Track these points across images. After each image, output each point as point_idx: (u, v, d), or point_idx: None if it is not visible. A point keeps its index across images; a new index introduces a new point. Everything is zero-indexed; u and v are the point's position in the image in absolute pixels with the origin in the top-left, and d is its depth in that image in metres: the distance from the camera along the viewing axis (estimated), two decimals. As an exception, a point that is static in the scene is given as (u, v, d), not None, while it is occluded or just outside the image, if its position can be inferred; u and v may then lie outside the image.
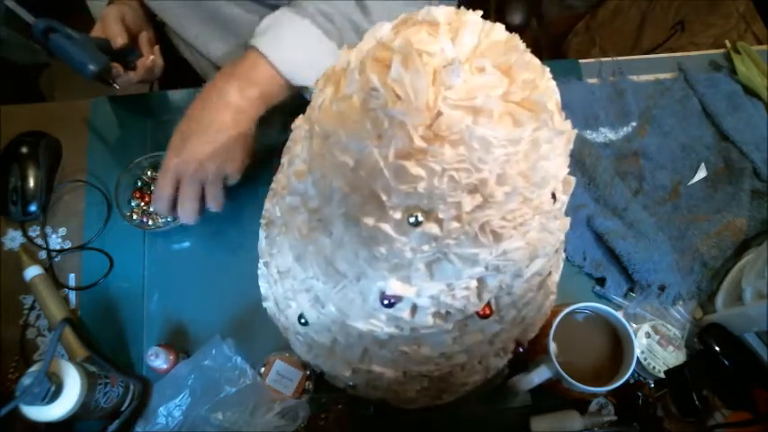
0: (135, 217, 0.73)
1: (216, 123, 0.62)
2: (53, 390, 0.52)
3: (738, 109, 0.81)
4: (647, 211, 0.75)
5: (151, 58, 0.77)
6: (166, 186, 0.63)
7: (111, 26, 0.73)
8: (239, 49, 0.74)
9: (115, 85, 0.72)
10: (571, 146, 0.37)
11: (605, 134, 0.82)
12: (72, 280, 0.72)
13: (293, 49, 0.63)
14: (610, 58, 0.87)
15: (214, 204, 0.66)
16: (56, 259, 0.73)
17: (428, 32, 0.32)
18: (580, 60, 0.87)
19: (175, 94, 0.84)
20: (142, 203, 0.74)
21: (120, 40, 0.72)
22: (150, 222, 0.73)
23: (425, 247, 0.35)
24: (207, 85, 0.64)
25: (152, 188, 0.73)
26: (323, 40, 0.64)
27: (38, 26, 0.64)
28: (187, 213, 0.65)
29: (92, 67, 0.65)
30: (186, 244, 0.74)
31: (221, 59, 0.81)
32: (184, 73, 0.93)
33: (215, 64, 0.84)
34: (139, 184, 0.75)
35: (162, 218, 0.73)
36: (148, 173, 0.76)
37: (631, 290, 0.72)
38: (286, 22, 0.64)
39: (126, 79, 0.74)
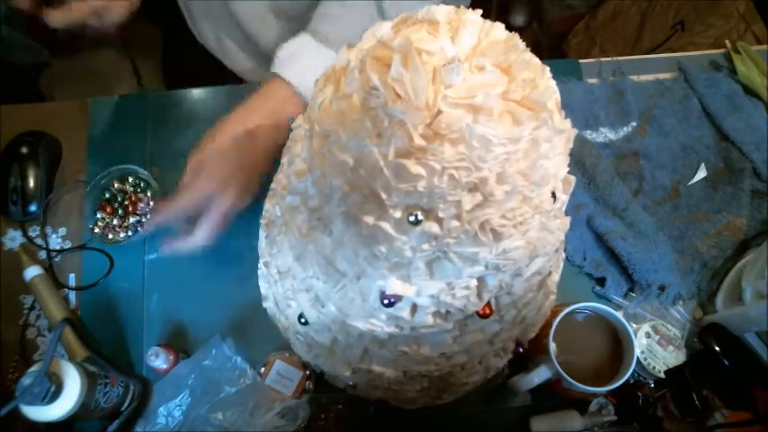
0: (97, 230, 0.72)
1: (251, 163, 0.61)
2: (53, 390, 0.52)
3: (738, 109, 0.81)
4: (647, 211, 0.75)
5: None
6: (188, 203, 0.61)
7: None
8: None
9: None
10: (571, 145, 0.37)
11: (605, 134, 0.82)
12: (72, 280, 0.72)
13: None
14: (610, 58, 0.87)
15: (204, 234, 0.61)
16: (56, 259, 0.73)
17: (428, 31, 0.32)
18: (580, 60, 0.87)
19: (176, 94, 0.83)
20: (106, 216, 0.73)
21: None
22: (110, 236, 0.72)
23: (425, 246, 0.35)
24: (237, 117, 0.62)
25: (119, 200, 0.73)
26: None
27: None
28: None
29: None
30: (186, 244, 0.74)
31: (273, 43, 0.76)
32: (200, 69, 0.92)
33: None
34: (107, 195, 0.74)
35: (123, 232, 0.72)
36: (115, 185, 0.74)
37: (631, 290, 0.72)
38: (310, 50, 0.61)
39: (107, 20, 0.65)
